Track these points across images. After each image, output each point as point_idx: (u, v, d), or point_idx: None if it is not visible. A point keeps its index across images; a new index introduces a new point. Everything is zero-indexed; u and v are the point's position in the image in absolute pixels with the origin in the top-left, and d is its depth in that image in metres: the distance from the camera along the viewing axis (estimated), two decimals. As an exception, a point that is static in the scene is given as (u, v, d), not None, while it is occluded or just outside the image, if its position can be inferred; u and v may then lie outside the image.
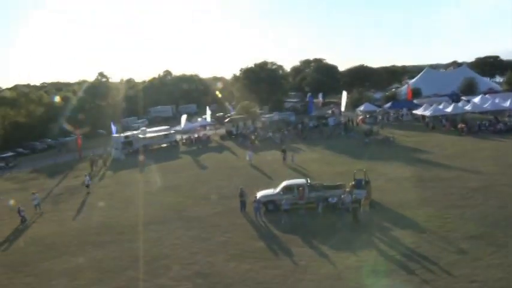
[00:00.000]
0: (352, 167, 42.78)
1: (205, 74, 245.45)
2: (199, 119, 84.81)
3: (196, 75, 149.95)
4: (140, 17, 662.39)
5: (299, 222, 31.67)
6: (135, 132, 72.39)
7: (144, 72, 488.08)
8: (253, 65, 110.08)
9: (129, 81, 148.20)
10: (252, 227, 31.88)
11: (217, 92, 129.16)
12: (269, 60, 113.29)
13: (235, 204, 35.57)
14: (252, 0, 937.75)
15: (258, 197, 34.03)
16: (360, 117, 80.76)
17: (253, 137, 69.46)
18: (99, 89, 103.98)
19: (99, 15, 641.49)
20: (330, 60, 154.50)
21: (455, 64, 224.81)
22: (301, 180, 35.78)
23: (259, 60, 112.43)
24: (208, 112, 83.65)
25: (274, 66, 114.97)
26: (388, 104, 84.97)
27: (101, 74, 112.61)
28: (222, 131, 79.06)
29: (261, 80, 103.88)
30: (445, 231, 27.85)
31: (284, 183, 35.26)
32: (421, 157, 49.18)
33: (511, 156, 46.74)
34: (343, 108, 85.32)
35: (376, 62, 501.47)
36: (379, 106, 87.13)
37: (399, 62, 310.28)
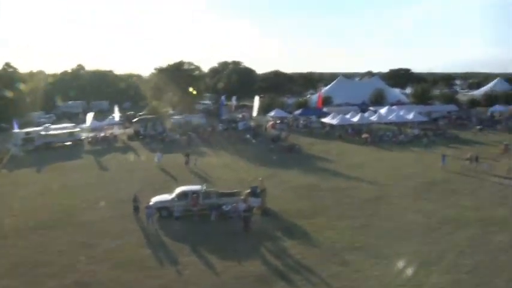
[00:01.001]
0: (255, 174, 43.19)
1: (121, 70, 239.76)
2: (109, 117, 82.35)
3: (111, 71, 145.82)
4: (57, 8, 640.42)
5: (191, 229, 31.17)
6: (37, 128, 69.30)
7: (56, 65, 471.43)
8: (168, 65, 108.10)
9: (39, 73, 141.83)
10: (142, 233, 31.00)
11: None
12: (187, 60, 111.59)
13: (129, 209, 34.44)
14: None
15: (151, 203, 33.24)
16: (270, 123, 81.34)
17: (161, 138, 68.41)
18: (4, 79, 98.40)
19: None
20: (248, 63, 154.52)
21: (370, 74, 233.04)
22: (197, 187, 35.24)
23: (179, 59, 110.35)
24: (117, 111, 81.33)
25: (191, 67, 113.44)
26: (299, 111, 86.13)
27: (7, 64, 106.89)
28: (131, 130, 77.10)
29: (175, 80, 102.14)
30: (332, 242, 28.29)
31: (178, 189, 34.65)
32: (323, 166, 50.12)
33: (407, 167, 48.67)
34: (254, 113, 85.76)
35: (297, 67, 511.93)
36: (290, 112, 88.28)
37: (319, 69, 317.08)
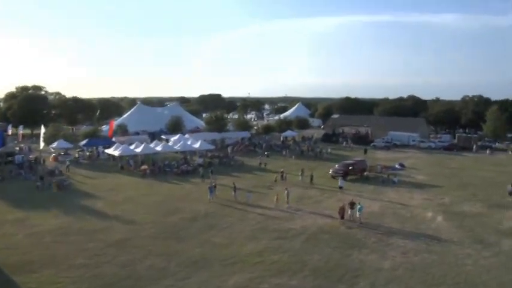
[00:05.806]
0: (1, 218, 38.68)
1: None
2: None
3: None
4: None
5: None
6: None
7: None
8: None
9: None
10: None
11: None
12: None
13: None
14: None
15: None
16: (53, 155, 75.27)
17: None
18: None
19: None
20: (56, 88, 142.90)
21: (182, 99, 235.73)
22: None
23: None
24: None
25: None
26: (84, 141, 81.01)
27: None
28: None
29: None
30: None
31: None
32: (86, 203, 46.48)
33: (176, 201, 47.53)
34: (42, 144, 79.78)
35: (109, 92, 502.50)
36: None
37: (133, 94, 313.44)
